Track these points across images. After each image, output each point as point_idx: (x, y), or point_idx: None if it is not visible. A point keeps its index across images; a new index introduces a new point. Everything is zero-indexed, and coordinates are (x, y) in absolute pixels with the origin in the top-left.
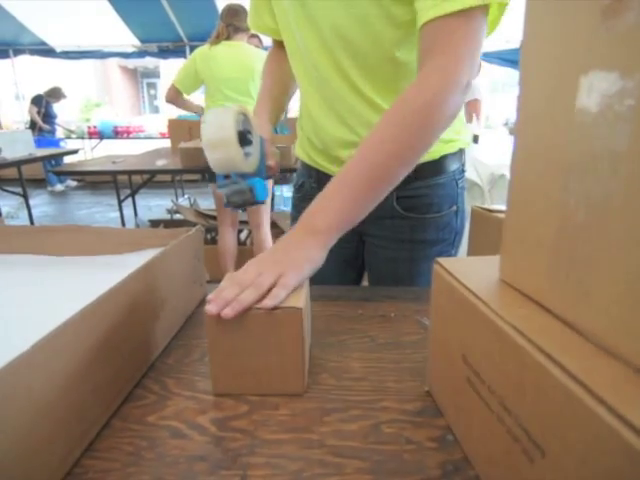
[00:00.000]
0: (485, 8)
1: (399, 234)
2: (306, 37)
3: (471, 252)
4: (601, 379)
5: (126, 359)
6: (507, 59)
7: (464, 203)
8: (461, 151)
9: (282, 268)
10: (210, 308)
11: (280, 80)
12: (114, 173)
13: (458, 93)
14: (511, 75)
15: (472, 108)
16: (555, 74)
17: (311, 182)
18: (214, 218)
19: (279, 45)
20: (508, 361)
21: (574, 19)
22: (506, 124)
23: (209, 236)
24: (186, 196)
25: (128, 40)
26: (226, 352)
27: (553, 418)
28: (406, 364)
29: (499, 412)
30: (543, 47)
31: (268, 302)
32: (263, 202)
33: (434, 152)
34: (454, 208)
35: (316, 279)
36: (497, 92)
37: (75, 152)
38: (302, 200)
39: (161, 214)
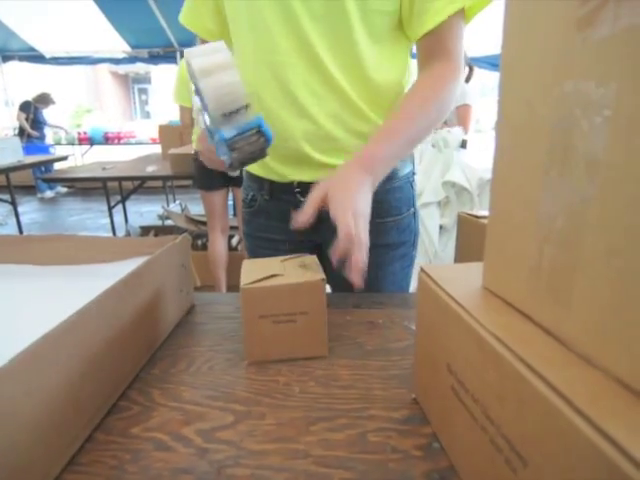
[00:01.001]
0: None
1: None
2: (272, 21)
3: (458, 258)
4: (581, 390)
5: (110, 371)
6: (495, 64)
7: (417, 204)
8: (410, 155)
9: (365, 218)
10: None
11: None
12: (104, 180)
13: (457, 87)
14: (495, 82)
15: (462, 113)
16: (533, 83)
17: (263, 194)
18: (205, 224)
19: None
20: (489, 370)
21: (552, 29)
22: (495, 128)
23: (200, 242)
24: (177, 202)
25: (119, 46)
26: (258, 324)
27: (534, 429)
28: (393, 371)
29: (482, 421)
30: (521, 56)
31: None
32: (271, 141)
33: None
34: (412, 210)
35: None
36: (486, 96)
37: (64, 159)
38: (255, 215)
39: (152, 220)
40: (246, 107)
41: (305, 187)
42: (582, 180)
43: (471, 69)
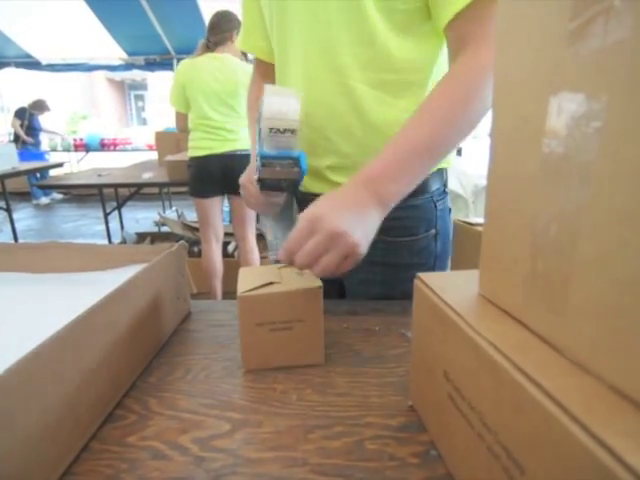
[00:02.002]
0: None
1: (371, 256)
2: (299, 42)
3: (454, 266)
4: (576, 397)
5: (106, 380)
6: None
7: (447, 225)
8: (440, 170)
9: (350, 249)
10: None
11: None
12: (100, 186)
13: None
14: None
15: None
16: (526, 96)
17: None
18: None
19: (262, 71)
20: (486, 378)
21: (543, 43)
22: (491, 134)
23: (196, 249)
24: (174, 208)
25: (115, 53)
26: (255, 331)
27: (530, 436)
28: (390, 378)
29: (479, 429)
30: (514, 69)
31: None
32: (302, 179)
33: None
34: (432, 231)
35: None
36: None
37: (60, 165)
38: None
39: (148, 227)
40: (293, 132)
41: None
42: (575, 189)
43: None
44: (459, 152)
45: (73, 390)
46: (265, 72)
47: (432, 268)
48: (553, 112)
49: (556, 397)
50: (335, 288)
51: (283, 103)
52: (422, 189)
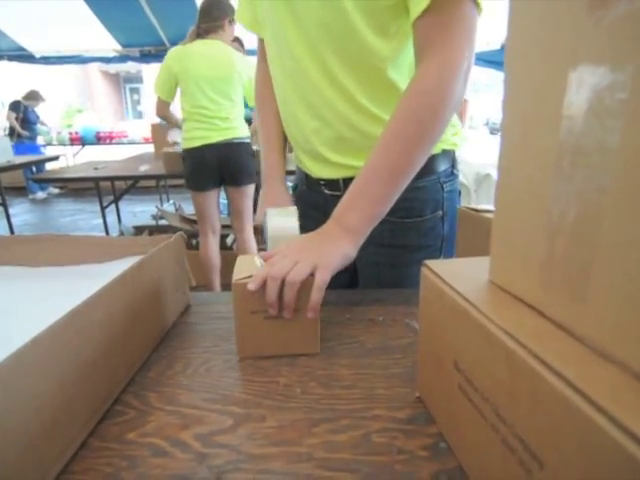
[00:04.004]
0: None
1: (378, 238)
2: (286, 27)
3: (459, 253)
4: (600, 387)
5: (103, 375)
6: (488, 60)
7: (454, 207)
8: (447, 152)
9: (318, 260)
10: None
11: (279, 127)
12: (96, 180)
13: (461, 79)
14: (492, 76)
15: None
16: (542, 71)
17: (302, 185)
18: None
19: (265, 54)
20: (500, 368)
21: (559, 14)
22: (487, 124)
23: (194, 241)
24: (171, 201)
25: (109, 45)
26: (249, 319)
27: (550, 428)
28: (396, 369)
29: (493, 420)
30: (528, 44)
31: (310, 314)
32: None
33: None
34: (439, 213)
35: None
36: (479, 92)
37: (55, 159)
38: (297, 200)
39: (146, 220)
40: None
41: (329, 183)
42: (597, 168)
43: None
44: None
45: (69, 385)
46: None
47: (439, 250)
48: (572, 86)
49: (579, 387)
50: (347, 277)
51: (284, 222)
52: (428, 170)
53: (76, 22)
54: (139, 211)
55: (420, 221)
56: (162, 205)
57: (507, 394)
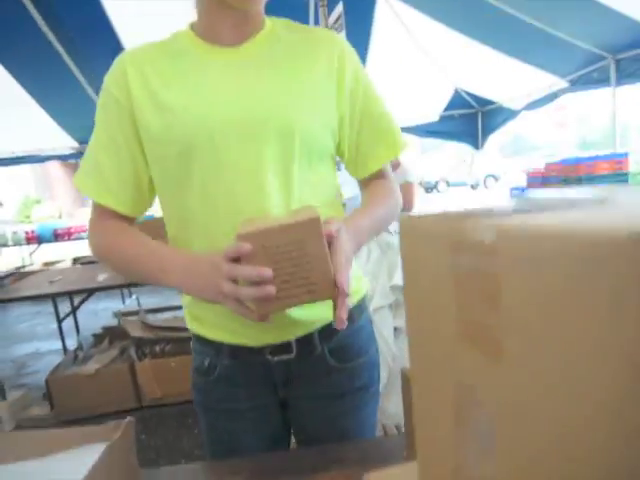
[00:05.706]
0: None
1: (338, 388)
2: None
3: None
4: None
5: None
6: (428, 130)
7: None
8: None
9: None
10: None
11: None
12: (53, 295)
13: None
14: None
15: (406, 190)
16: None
17: (221, 359)
18: (165, 329)
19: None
20: None
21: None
22: (420, 183)
23: (157, 348)
24: (134, 296)
25: (66, 142)
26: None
27: None
28: None
29: None
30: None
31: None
32: None
33: (358, 293)
34: (375, 346)
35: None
36: (427, 152)
37: None
38: (215, 384)
39: (107, 319)
40: None
41: (276, 348)
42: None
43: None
44: None
45: None
46: (121, 220)
47: (378, 379)
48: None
49: None
50: (285, 438)
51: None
52: (362, 310)
53: (32, 123)
54: (101, 309)
55: (367, 358)
56: (124, 302)
57: None
